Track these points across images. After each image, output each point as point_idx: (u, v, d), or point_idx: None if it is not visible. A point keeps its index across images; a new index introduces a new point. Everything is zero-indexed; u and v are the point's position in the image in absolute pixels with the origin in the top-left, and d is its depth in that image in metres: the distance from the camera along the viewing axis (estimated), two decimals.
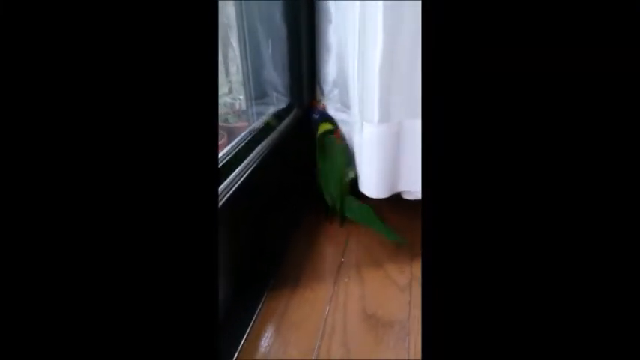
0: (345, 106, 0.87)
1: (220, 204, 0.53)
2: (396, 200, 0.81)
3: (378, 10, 0.61)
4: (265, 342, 0.55)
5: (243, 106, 0.94)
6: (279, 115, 0.84)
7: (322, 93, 0.90)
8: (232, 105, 1.03)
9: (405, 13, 0.63)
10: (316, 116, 0.89)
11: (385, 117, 0.69)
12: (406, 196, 0.82)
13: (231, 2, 0.77)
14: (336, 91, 0.90)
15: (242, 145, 0.67)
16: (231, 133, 0.93)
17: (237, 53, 0.85)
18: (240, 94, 0.96)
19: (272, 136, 0.75)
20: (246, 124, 0.90)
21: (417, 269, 0.69)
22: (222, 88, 1.00)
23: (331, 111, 0.91)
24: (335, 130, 0.87)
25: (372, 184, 0.76)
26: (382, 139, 0.71)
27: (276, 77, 0.86)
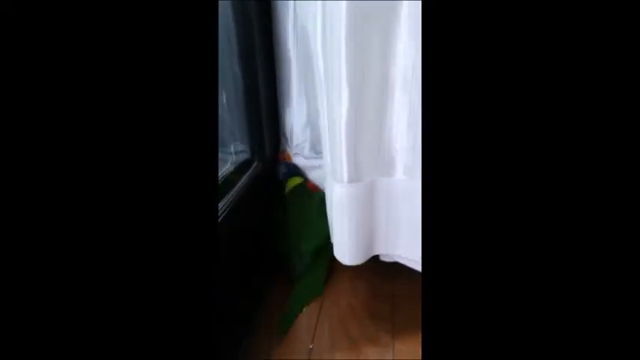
0: (317, 152, 0.79)
1: None
2: (374, 263, 0.72)
3: (341, 63, 0.53)
4: None
5: None
6: (237, 170, 0.75)
7: (287, 142, 0.81)
8: None
9: (371, 60, 0.55)
10: (284, 170, 0.80)
11: (355, 176, 0.60)
12: (384, 259, 0.73)
13: None
14: (304, 139, 0.82)
15: None
16: None
17: None
18: None
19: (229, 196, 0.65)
20: None
21: (400, 349, 0.60)
22: None
23: (300, 160, 0.82)
24: (305, 182, 0.79)
25: (344, 250, 0.66)
26: (353, 200, 0.62)
27: (234, 126, 0.77)
